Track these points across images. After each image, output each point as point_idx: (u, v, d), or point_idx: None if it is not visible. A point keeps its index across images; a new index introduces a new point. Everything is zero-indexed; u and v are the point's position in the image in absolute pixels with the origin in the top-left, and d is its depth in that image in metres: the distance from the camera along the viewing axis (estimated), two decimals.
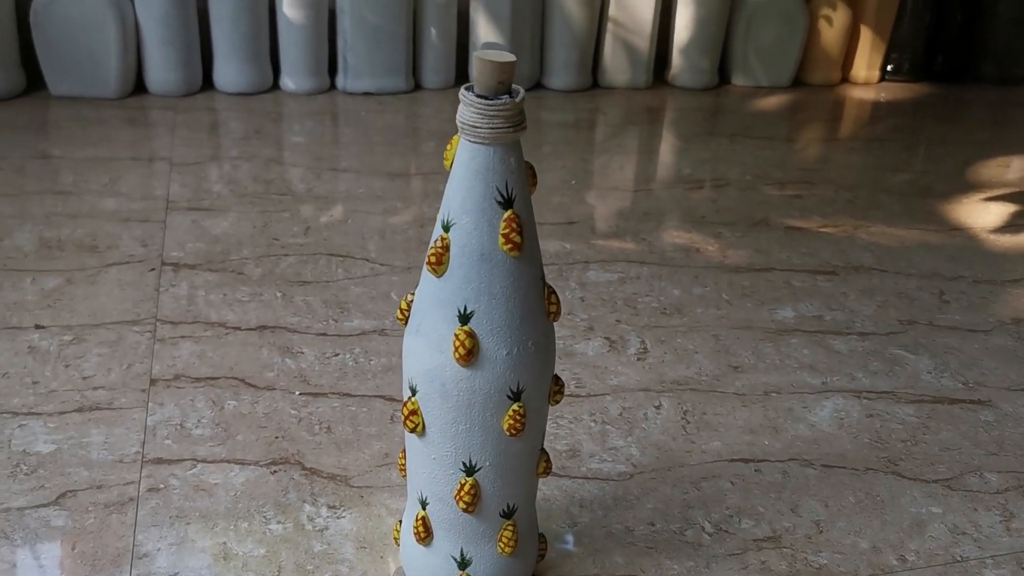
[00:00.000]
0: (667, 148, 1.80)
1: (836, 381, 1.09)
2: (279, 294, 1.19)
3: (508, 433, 0.68)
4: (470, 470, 0.70)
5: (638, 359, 1.11)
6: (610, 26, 1.98)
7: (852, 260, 1.36)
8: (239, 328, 1.12)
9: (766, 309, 1.23)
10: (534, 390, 0.69)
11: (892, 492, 0.92)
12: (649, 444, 0.97)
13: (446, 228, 0.65)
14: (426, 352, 0.68)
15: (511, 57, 0.62)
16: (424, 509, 0.74)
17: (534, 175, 0.67)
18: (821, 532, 0.86)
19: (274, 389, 1.02)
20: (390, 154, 1.65)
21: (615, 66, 2.02)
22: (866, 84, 2.17)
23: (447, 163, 0.66)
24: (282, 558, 0.80)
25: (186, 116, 1.75)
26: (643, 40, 2.00)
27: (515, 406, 0.68)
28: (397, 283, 1.22)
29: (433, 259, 0.66)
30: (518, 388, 0.68)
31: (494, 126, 0.62)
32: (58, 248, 1.27)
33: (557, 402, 0.73)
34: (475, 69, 0.62)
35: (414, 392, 0.70)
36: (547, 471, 0.75)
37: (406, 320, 0.70)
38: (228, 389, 1.01)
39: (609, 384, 1.06)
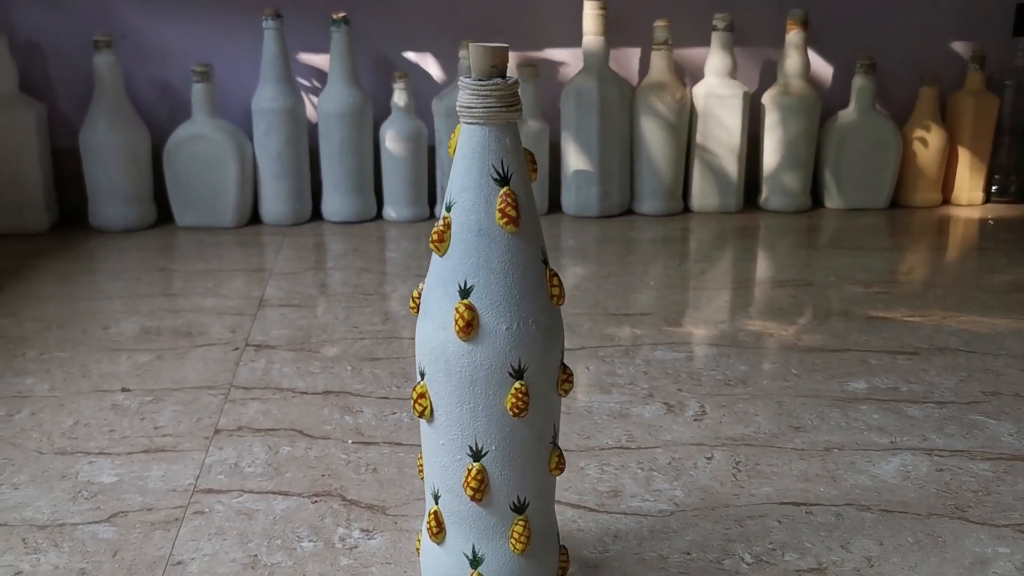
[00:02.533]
0: (751, 257, 1.80)
1: (906, 441, 1.03)
2: (349, 368, 1.24)
3: (511, 413, 0.69)
4: (477, 454, 0.71)
5: (695, 420, 1.09)
6: (698, 152, 2.04)
7: (937, 343, 1.31)
8: (306, 392, 1.17)
9: (836, 381, 1.19)
10: (537, 371, 0.70)
11: (956, 534, 0.85)
12: (695, 488, 0.94)
13: (448, 208, 0.69)
14: (431, 331, 0.70)
15: (504, 45, 0.68)
16: (437, 503, 0.74)
17: (534, 161, 0.71)
18: (872, 567, 0.81)
19: (329, 439, 1.05)
20: None
21: (704, 191, 2.07)
22: (970, 205, 2.14)
23: (451, 151, 0.70)
24: (308, 568, 0.81)
25: (293, 240, 1.88)
26: (731, 165, 2.04)
27: (517, 384, 0.69)
28: None
29: (435, 237, 0.69)
30: (520, 366, 0.69)
31: (487, 106, 0.67)
32: (156, 334, 1.37)
33: (566, 391, 0.73)
34: (471, 56, 0.67)
35: (423, 376, 0.72)
36: (560, 467, 0.74)
37: (418, 308, 0.73)
38: (285, 438, 1.05)
39: (661, 439, 1.04)
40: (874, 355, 1.27)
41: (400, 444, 1.03)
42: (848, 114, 2.08)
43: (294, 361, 1.26)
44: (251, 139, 1.98)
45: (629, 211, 2.08)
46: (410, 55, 2.06)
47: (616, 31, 2.05)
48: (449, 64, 2.06)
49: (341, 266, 1.72)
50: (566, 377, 0.73)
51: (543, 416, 0.71)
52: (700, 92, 2.02)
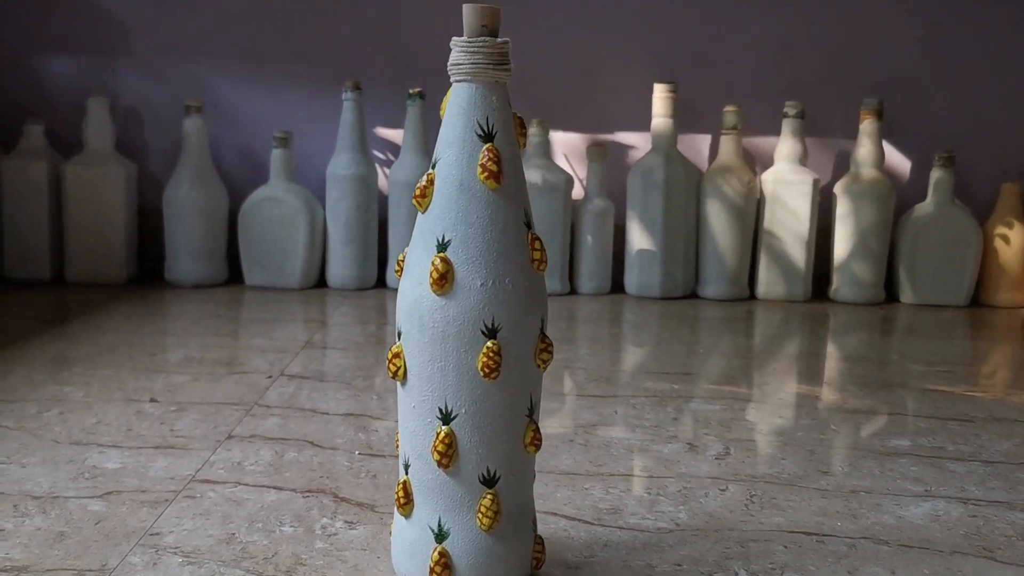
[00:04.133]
0: (812, 336, 1.74)
1: (942, 490, 0.96)
2: (375, 397, 1.23)
3: (482, 373, 0.67)
4: (446, 417, 0.69)
5: (716, 458, 1.03)
6: (765, 238, 2.01)
7: (995, 414, 1.23)
8: (327, 413, 1.16)
9: (878, 438, 1.12)
10: (511, 332, 0.68)
11: (978, 571, 0.78)
12: (701, 512, 0.88)
13: (433, 166, 0.70)
14: (409, 288, 0.70)
15: (495, 7, 0.69)
16: (407, 473, 0.72)
17: (523, 127, 0.71)
18: None
19: (337, 449, 1.04)
20: None
21: (771, 278, 2.02)
22: None
23: (441, 112, 0.71)
24: (282, 548, 0.79)
25: (355, 301, 1.91)
26: (799, 252, 2.00)
27: (489, 343, 0.67)
28: None
29: (418, 192, 0.70)
30: (493, 325, 0.67)
31: (475, 62, 0.68)
32: (197, 362, 1.39)
33: (544, 362, 0.71)
34: (463, 16, 0.69)
35: (400, 335, 0.71)
36: (535, 444, 0.71)
37: (402, 271, 0.73)
38: (294, 445, 1.04)
39: (676, 471, 0.99)
40: (924, 420, 1.20)
41: None
42: (925, 207, 2.02)
43: (324, 389, 1.26)
44: (324, 205, 2.04)
45: (693, 295, 2.05)
46: None
47: (687, 118, 2.07)
48: None
49: (394, 321, 1.73)
50: (544, 346, 0.71)
51: (517, 383, 0.69)
52: (768, 178, 2.01)
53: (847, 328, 1.80)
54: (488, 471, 0.69)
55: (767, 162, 2.09)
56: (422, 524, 0.71)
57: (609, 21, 2.09)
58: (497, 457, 0.69)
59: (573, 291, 2.06)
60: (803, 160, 2.00)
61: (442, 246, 0.68)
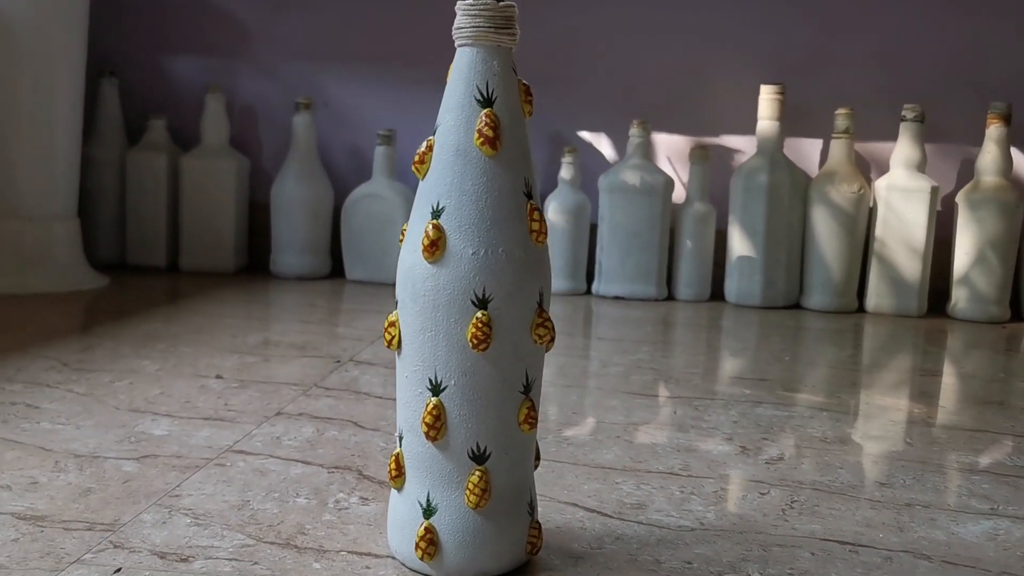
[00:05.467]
0: (917, 350, 1.63)
1: (1010, 510, 0.87)
2: None
3: (471, 343, 0.65)
4: (435, 389, 0.67)
5: (767, 463, 0.98)
6: (876, 247, 1.91)
7: None
8: (381, 397, 1.16)
9: (956, 454, 1.03)
10: (504, 304, 0.66)
11: None
12: (731, 514, 0.83)
13: (434, 132, 0.68)
14: (405, 255, 0.69)
15: None
16: (400, 445, 0.70)
17: (529, 94, 0.69)
18: None
19: (378, 431, 1.03)
20: (611, 327, 1.66)
21: (881, 290, 1.91)
22: None
23: (447, 79, 0.70)
24: (289, 517, 0.79)
25: None
26: (914, 264, 1.89)
27: (479, 313, 0.65)
28: (552, 394, 1.21)
29: (417, 159, 0.68)
30: (484, 295, 0.65)
31: (475, 25, 0.66)
32: (273, 345, 1.42)
33: (540, 337, 0.68)
34: None
35: (397, 304, 0.70)
36: (529, 421, 0.68)
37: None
38: (336, 424, 1.05)
39: (719, 472, 0.94)
40: (1014, 438, 1.10)
41: None
42: None
43: (386, 375, 1.27)
44: None
45: (796, 305, 1.96)
46: (584, 133, 2.09)
47: (796, 121, 1.99)
48: (620, 144, 2.07)
49: None
50: (541, 321, 0.68)
51: (509, 357, 0.67)
52: (882, 185, 1.90)
53: (960, 345, 1.68)
54: (478, 447, 0.67)
55: (882, 168, 1.98)
56: (412, 498, 0.69)
57: (715, 21, 2.03)
58: (488, 433, 0.67)
59: (671, 297, 2.01)
60: (921, 167, 1.89)
61: (436, 213, 0.66)
